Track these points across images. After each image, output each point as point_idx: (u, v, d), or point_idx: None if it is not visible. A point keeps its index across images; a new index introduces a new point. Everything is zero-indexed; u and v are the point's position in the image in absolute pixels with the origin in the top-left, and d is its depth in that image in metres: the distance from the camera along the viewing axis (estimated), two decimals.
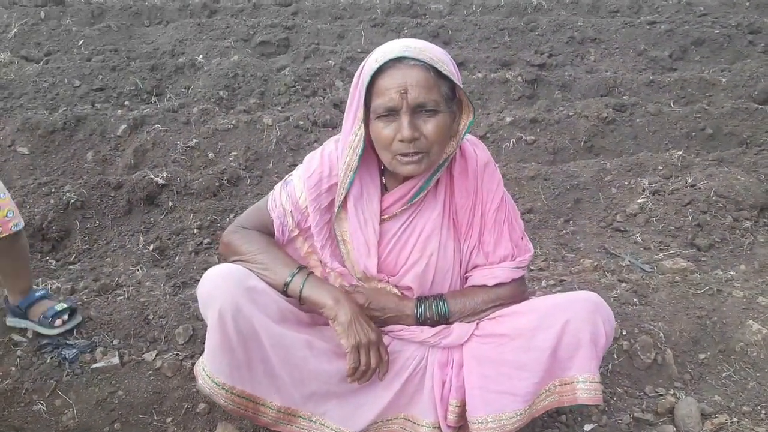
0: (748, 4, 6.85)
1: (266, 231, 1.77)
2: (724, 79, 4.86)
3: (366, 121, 1.57)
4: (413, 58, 1.47)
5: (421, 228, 1.70)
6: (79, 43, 5.66)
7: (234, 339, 1.56)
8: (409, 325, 1.73)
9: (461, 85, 1.54)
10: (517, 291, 1.74)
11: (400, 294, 1.74)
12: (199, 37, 5.86)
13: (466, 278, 1.78)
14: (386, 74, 1.49)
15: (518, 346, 1.62)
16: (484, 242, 1.71)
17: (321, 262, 1.76)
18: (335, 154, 1.69)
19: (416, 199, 1.68)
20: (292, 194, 1.72)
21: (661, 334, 2.24)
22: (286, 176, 1.80)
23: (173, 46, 5.68)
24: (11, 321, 2.29)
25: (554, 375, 1.62)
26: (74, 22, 6.24)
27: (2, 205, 2.08)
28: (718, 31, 5.78)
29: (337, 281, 1.75)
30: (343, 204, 1.70)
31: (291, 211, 1.72)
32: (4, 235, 2.09)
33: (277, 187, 1.79)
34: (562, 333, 1.58)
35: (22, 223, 2.17)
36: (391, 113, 1.51)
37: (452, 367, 1.72)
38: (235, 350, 1.57)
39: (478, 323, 1.72)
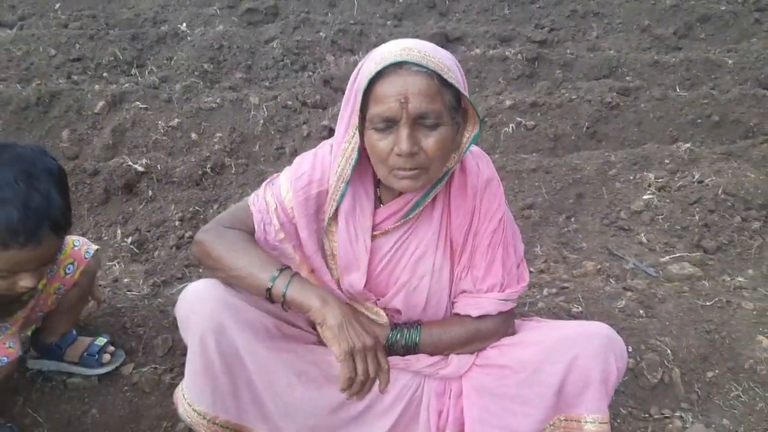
0: None
1: (246, 229, 1.58)
2: (730, 61, 4.67)
3: (361, 128, 1.41)
4: (416, 64, 1.31)
5: (415, 247, 1.56)
6: (56, 7, 5.34)
7: (217, 364, 1.44)
8: None
9: (467, 95, 1.38)
10: (501, 327, 1.60)
11: (387, 316, 1.61)
12: (183, 3, 5.54)
13: (453, 304, 1.64)
14: (386, 80, 1.33)
15: (522, 379, 1.51)
16: (475, 266, 1.56)
17: (312, 270, 1.61)
18: (329, 159, 1.54)
19: (411, 216, 1.53)
20: (277, 193, 1.57)
21: (669, 351, 2.14)
22: (272, 176, 1.64)
23: (155, 13, 5.37)
24: (35, 363, 2.07)
25: (560, 410, 1.52)
26: None
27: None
28: (724, 8, 5.55)
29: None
30: (334, 217, 1.55)
31: (276, 208, 1.55)
32: (81, 268, 1.93)
33: (262, 186, 1.63)
34: (569, 369, 1.46)
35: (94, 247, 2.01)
36: (389, 124, 1.35)
37: (450, 397, 1.61)
38: (218, 377, 1.46)
39: (478, 353, 1.60)
